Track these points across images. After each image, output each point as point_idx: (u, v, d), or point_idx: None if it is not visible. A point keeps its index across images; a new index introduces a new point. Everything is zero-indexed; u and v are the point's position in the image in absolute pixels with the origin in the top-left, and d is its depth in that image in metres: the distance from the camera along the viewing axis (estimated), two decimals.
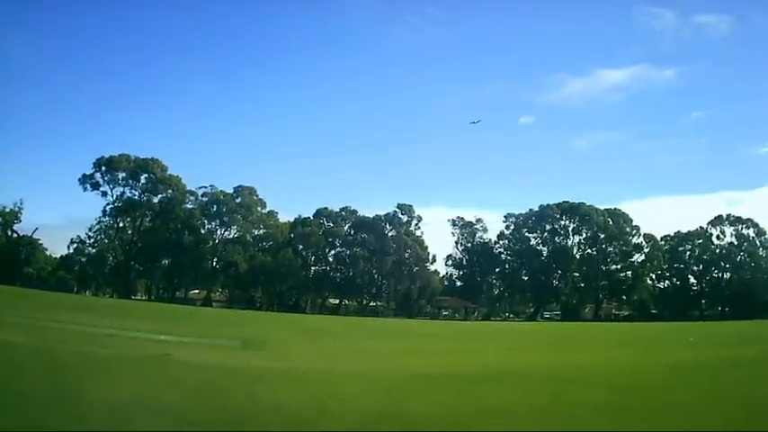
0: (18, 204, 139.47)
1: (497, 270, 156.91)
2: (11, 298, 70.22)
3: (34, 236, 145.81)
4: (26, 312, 47.46)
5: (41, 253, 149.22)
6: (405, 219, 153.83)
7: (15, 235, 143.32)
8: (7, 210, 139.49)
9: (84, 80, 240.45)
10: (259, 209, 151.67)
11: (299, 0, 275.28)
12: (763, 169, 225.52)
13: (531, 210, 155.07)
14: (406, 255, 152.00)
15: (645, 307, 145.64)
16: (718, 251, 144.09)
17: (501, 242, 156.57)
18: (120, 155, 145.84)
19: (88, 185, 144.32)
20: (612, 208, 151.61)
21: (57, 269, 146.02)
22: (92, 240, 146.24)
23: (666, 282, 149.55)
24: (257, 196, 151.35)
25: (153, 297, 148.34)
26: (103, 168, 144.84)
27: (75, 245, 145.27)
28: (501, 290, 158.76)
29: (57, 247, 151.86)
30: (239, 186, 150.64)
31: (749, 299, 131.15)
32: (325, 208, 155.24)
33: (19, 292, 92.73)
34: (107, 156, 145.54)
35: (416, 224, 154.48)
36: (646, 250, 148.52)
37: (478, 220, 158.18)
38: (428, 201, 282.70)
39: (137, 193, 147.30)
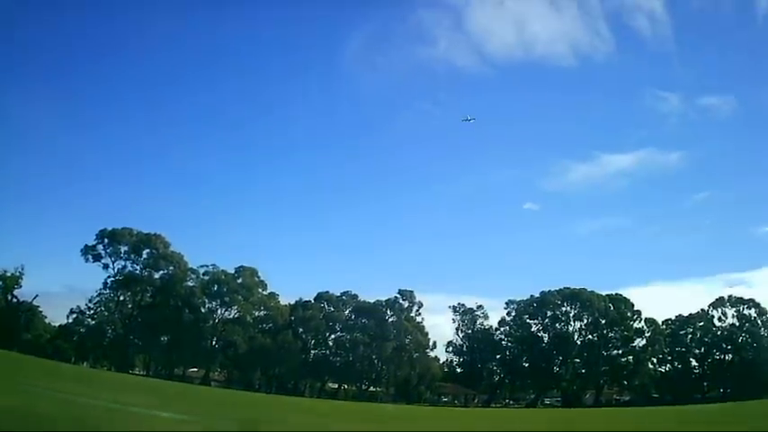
0: (19, 269, 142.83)
1: (498, 356, 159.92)
2: (10, 363, 73.11)
3: (34, 302, 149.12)
4: (26, 379, 50.71)
5: (40, 320, 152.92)
6: (406, 304, 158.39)
7: (15, 300, 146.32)
8: (8, 274, 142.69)
9: (92, 150, 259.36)
10: (260, 290, 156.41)
11: (307, 81, 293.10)
12: (765, 249, 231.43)
13: (532, 296, 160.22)
14: (407, 341, 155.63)
15: (646, 391, 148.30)
16: (719, 333, 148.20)
17: (502, 328, 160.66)
18: (123, 228, 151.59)
19: (90, 256, 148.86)
20: (614, 293, 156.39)
21: (55, 337, 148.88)
22: (91, 312, 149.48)
23: (668, 365, 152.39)
24: (258, 277, 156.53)
25: (151, 373, 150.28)
26: (106, 240, 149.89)
27: (74, 315, 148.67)
28: (501, 376, 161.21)
29: (56, 316, 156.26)
30: (241, 267, 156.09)
31: (752, 379, 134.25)
32: (327, 292, 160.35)
33: (18, 358, 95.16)
34: (110, 228, 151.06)
35: (417, 310, 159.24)
36: (647, 335, 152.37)
37: (479, 307, 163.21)
38: (429, 287, 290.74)
39: (138, 268, 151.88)
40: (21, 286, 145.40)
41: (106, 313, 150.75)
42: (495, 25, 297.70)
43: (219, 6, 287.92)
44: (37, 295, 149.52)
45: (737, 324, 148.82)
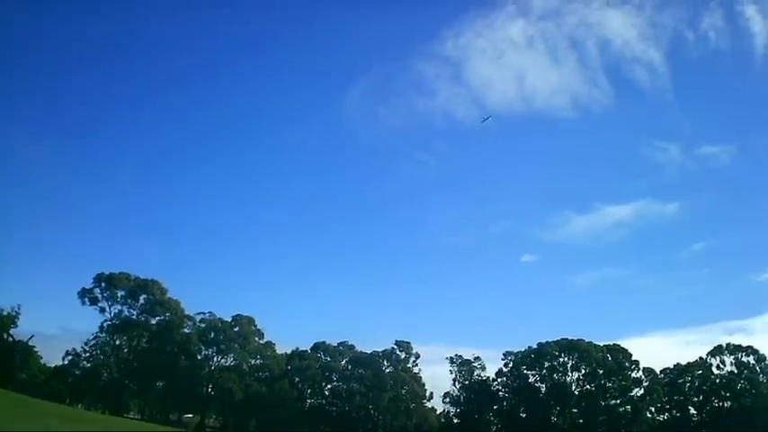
0: (15, 309, 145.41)
1: (495, 407, 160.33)
2: (2, 402, 75.70)
3: (30, 342, 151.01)
4: (14, 417, 53.85)
5: (36, 360, 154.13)
6: (402, 355, 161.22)
7: (11, 339, 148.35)
8: (5, 313, 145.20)
9: (91, 194, 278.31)
10: (256, 339, 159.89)
11: (308, 130, 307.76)
12: (764, 296, 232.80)
13: (529, 347, 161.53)
14: (403, 391, 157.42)
15: None
16: (718, 381, 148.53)
17: (499, 379, 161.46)
18: (120, 273, 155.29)
19: (87, 300, 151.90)
20: (612, 344, 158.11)
21: (50, 379, 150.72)
22: (87, 354, 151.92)
23: (666, 414, 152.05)
24: (255, 326, 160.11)
25: (146, 417, 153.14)
26: (103, 285, 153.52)
27: (70, 357, 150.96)
28: (498, 427, 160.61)
29: (51, 357, 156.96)
30: (238, 315, 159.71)
31: (751, 426, 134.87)
32: (323, 342, 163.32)
33: (12, 397, 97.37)
34: (107, 272, 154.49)
35: (414, 361, 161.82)
36: (645, 384, 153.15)
37: (476, 358, 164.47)
38: (427, 338, 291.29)
39: (135, 313, 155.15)
40: (17, 326, 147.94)
41: (102, 356, 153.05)
42: (495, 78, 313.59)
43: (219, 55, 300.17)
44: (33, 335, 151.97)
45: (736, 371, 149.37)
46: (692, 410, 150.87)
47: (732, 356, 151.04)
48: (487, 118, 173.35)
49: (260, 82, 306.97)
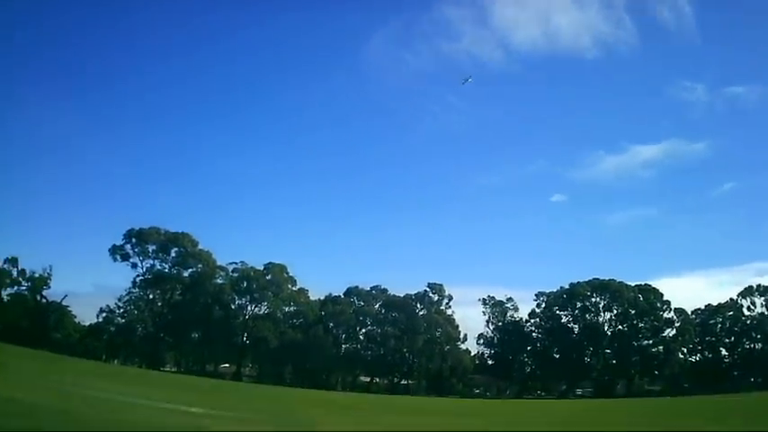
0: (47, 270, 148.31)
1: (528, 348, 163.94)
2: (40, 362, 75.37)
3: (63, 302, 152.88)
4: (56, 377, 52.96)
5: (70, 320, 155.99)
6: (435, 298, 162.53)
7: (44, 300, 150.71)
8: (36, 275, 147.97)
9: (118, 150, 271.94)
10: (289, 286, 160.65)
11: (333, 79, 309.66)
12: None
13: (561, 287, 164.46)
14: (437, 334, 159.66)
15: (677, 381, 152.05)
16: (749, 322, 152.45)
17: (532, 320, 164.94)
18: (150, 227, 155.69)
19: (118, 256, 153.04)
20: (643, 284, 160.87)
21: (85, 337, 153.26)
22: (121, 310, 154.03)
23: (698, 355, 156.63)
24: (288, 274, 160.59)
25: (182, 369, 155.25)
26: (134, 240, 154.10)
27: (104, 314, 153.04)
28: (533, 368, 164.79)
29: (85, 315, 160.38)
30: (270, 263, 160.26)
31: None
32: (356, 287, 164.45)
33: (48, 357, 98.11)
34: (137, 228, 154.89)
35: (447, 303, 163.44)
36: (677, 324, 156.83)
37: (509, 299, 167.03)
38: (459, 280, 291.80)
39: (167, 266, 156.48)
40: (49, 287, 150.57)
41: (136, 312, 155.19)
42: (519, 19, 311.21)
43: (242, 7, 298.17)
44: (66, 295, 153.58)
45: (766, 313, 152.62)
46: (724, 351, 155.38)
47: (762, 298, 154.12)
48: (467, 79, 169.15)
49: (283, 31, 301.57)
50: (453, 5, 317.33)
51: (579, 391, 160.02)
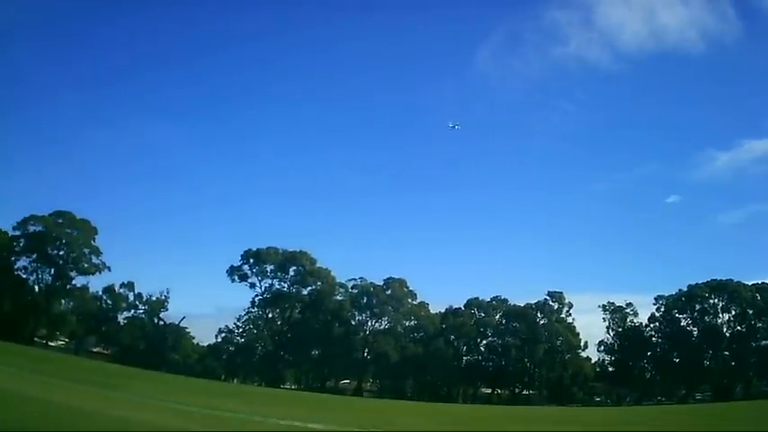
0: (164, 293, 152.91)
1: (648, 354, 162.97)
2: (157, 383, 74.90)
3: (181, 324, 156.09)
4: (174, 397, 52.83)
5: (188, 341, 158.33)
6: (555, 306, 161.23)
7: (162, 323, 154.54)
8: (153, 298, 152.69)
9: (232, 172, 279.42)
10: (410, 300, 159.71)
11: (443, 85, 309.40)
12: None
13: (680, 290, 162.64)
14: (558, 342, 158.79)
15: None
16: None
17: (651, 325, 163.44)
18: (267, 248, 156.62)
19: (236, 277, 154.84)
20: (760, 282, 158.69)
21: (204, 357, 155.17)
22: (240, 330, 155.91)
23: None
24: (408, 288, 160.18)
25: (302, 386, 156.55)
26: (251, 260, 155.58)
27: (223, 334, 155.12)
28: (653, 374, 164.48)
29: (203, 336, 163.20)
30: (389, 278, 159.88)
31: None
32: (476, 298, 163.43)
33: (166, 378, 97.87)
34: (255, 248, 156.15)
35: (567, 311, 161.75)
36: None
37: (628, 304, 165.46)
38: (577, 287, 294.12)
39: (285, 285, 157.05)
40: (167, 309, 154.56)
41: (255, 331, 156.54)
42: (625, 18, 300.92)
43: (353, 12, 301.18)
44: (184, 317, 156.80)
45: None
46: None
47: None
48: (455, 125, 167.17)
49: (390, 41, 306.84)
50: (558, 9, 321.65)
51: (698, 396, 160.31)
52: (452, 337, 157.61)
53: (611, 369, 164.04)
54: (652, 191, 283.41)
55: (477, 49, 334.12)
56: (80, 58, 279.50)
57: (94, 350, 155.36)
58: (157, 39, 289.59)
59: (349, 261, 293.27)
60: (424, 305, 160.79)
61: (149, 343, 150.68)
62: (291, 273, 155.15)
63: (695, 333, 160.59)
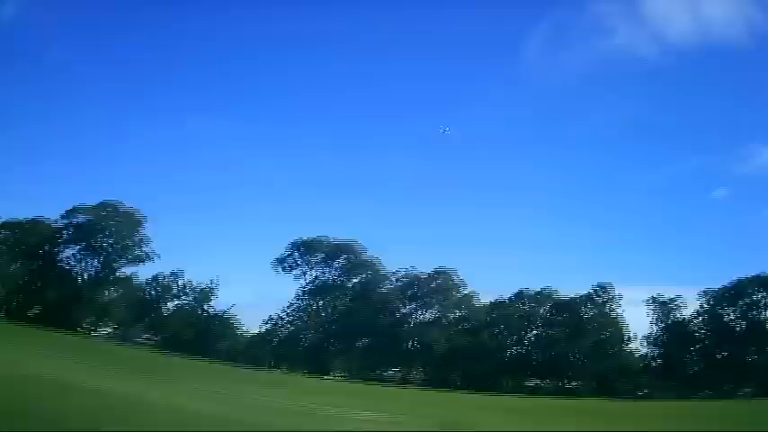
0: (213, 282, 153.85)
1: (693, 348, 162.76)
2: (205, 372, 75.67)
3: (228, 313, 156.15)
4: (220, 385, 53.20)
5: (235, 330, 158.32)
6: (603, 298, 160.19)
7: (210, 312, 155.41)
8: (202, 287, 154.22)
9: (280, 164, 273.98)
10: (457, 291, 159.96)
11: (490, 83, 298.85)
12: None
13: (726, 284, 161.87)
14: (605, 335, 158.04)
15: None
16: None
17: (697, 319, 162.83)
18: (316, 238, 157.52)
19: (284, 267, 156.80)
20: None
21: (251, 346, 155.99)
22: (287, 320, 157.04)
23: None
24: (456, 278, 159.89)
25: (349, 376, 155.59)
26: (299, 251, 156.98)
27: (269, 324, 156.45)
28: (697, 368, 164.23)
29: (250, 325, 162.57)
30: (438, 268, 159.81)
31: None
32: (524, 290, 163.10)
33: (213, 367, 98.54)
34: (303, 238, 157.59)
35: (614, 304, 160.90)
36: None
37: (676, 298, 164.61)
38: (625, 279, 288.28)
39: (334, 276, 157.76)
40: (215, 297, 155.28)
41: (302, 320, 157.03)
42: (671, 10, 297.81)
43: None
44: (232, 305, 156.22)
45: None
46: None
47: None
48: (445, 130, 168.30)
49: (437, 36, 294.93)
50: (604, 1, 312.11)
51: (743, 391, 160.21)
52: (499, 328, 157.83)
53: (656, 363, 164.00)
54: (699, 184, 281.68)
55: (523, 41, 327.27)
56: (126, 49, 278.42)
57: (141, 339, 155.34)
58: (204, 32, 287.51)
59: (398, 251, 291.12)
60: (471, 296, 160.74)
61: (197, 332, 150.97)
62: (340, 263, 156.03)
63: (740, 328, 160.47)
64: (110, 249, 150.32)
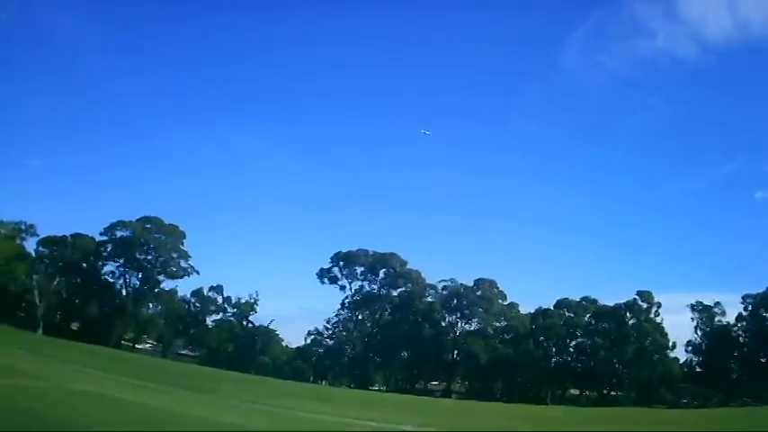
0: (254, 296, 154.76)
1: (735, 354, 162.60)
2: (247, 385, 75.67)
3: (270, 326, 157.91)
4: (262, 399, 53.31)
5: (277, 343, 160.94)
6: (644, 306, 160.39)
7: (251, 325, 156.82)
8: (243, 301, 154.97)
9: (321, 176, 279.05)
10: (500, 301, 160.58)
11: (530, 84, 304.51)
12: None
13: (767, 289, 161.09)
14: (647, 342, 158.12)
15: None
16: None
17: (739, 324, 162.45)
18: (357, 250, 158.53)
19: (326, 279, 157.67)
20: None
21: (293, 359, 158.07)
22: (329, 332, 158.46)
23: None
24: (498, 289, 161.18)
25: (391, 388, 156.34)
26: (341, 263, 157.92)
27: (312, 336, 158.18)
28: (739, 374, 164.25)
29: (292, 338, 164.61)
30: (479, 279, 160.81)
31: None
32: (566, 298, 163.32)
33: (255, 380, 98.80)
34: (345, 251, 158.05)
35: (656, 311, 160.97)
36: None
37: (716, 304, 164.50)
38: (665, 285, 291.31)
39: (376, 287, 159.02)
40: (256, 311, 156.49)
41: (344, 333, 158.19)
42: (709, 11, 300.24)
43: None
44: (273, 320, 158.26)
45: None
46: None
47: None
48: (426, 132, 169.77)
49: (475, 39, 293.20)
50: (642, 2, 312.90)
51: None
52: (542, 337, 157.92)
53: (698, 370, 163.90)
54: (740, 187, 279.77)
55: (562, 45, 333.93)
56: (167, 64, 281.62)
57: (182, 353, 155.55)
58: (246, 44, 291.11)
59: (439, 262, 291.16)
60: (513, 306, 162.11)
61: (238, 345, 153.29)
62: (382, 274, 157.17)
63: None
64: (151, 264, 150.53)
